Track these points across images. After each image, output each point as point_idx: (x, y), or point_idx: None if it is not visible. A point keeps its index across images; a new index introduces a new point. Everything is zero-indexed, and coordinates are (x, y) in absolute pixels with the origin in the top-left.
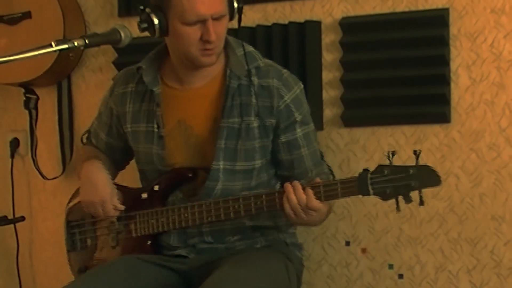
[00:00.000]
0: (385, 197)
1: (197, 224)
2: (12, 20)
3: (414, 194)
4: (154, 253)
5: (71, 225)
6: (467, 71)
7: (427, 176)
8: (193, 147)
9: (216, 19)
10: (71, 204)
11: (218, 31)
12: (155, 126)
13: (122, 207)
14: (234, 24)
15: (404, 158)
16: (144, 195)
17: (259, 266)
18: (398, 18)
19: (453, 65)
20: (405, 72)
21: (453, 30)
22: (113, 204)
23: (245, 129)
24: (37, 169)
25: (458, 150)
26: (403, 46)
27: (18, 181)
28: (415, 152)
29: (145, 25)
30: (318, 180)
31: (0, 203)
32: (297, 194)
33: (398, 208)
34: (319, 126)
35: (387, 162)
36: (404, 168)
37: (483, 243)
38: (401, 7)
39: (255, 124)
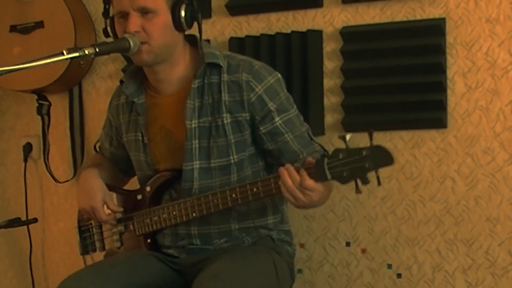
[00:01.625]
0: (342, 180)
1: (184, 220)
2: (26, 30)
3: (372, 176)
4: (154, 251)
5: (82, 230)
6: (463, 79)
7: (380, 156)
8: (174, 150)
9: (143, 14)
10: None
11: (146, 27)
12: (140, 134)
13: (119, 209)
14: (239, 33)
15: (403, 162)
16: (139, 197)
17: (247, 261)
18: (396, 28)
19: (449, 73)
20: (403, 79)
21: (449, 39)
22: (109, 207)
23: (215, 126)
24: (49, 173)
25: (454, 154)
26: (401, 54)
27: (31, 184)
28: (369, 133)
29: (106, 33)
30: (310, 160)
31: (14, 205)
32: (291, 176)
33: (357, 190)
34: (321, 131)
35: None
36: (358, 150)
37: (478, 243)
38: (400, 17)
39: (227, 120)
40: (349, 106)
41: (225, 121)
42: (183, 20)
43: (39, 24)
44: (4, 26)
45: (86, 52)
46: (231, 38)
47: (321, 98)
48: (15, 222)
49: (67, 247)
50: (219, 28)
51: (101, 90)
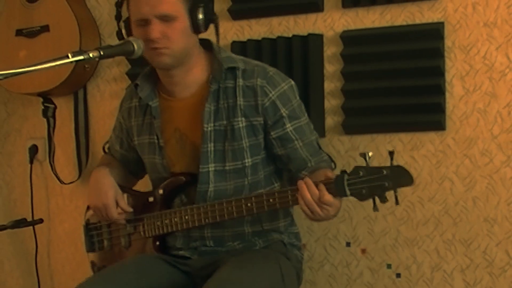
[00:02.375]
0: (361, 197)
1: (196, 226)
2: (31, 33)
3: (390, 194)
4: (162, 253)
5: (89, 227)
6: (461, 82)
7: (400, 176)
8: (189, 154)
9: (163, 20)
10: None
11: (166, 32)
12: (155, 137)
13: (129, 209)
14: (241, 37)
15: (402, 164)
16: (151, 199)
17: (254, 266)
18: (396, 32)
19: (448, 76)
20: (403, 82)
21: (447, 42)
22: (120, 206)
23: (231, 130)
24: (55, 174)
25: (453, 156)
26: (400, 58)
27: (37, 185)
28: (390, 153)
29: (120, 35)
30: (329, 175)
31: (20, 206)
32: (310, 190)
33: (375, 208)
34: (321, 133)
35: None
36: (379, 169)
37: (476, 243)
38: (399, 21)
39: (242, 124)
40: (349, 108)
41: (240, 125)
42: (201, 22)
43: (45, 28)
44: (10, 30)
45: (91, 55)
46: (233, 42)
47: (322, 101)
48: (21, 223)
49: (72, 247)
50: (222, 32)
51: (105, 93)
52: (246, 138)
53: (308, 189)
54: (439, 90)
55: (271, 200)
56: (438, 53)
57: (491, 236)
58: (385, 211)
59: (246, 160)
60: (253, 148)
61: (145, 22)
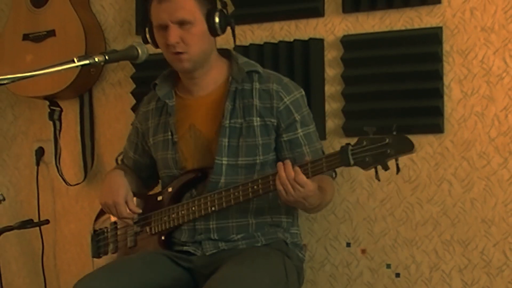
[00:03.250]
0: (364, 165)
1: (202, 215)
2: (38, 38)
3: (392, 164)
4: (166, 249)
5: (97, 233)
6: (459, 85)
7: (402, 144)
8: (202, 148)
9: (181, 25)
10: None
11: (185, 37)
12: (169, 133)
13: (138, 210)
14: (244, 42)
15: (401, 166)
16: (160, 198)
17: (258, 263)
18: (395, 36)
19: (446, 80)
20: (402, 86)
21: (446, 47)
22: (129, 207)
23: (246, 127)
24: (61, 176)
25: (451, 158)
26: (400, 62)
27: (43, 187)
28: (394, 125)
29: (145, 39)
30: (306, 159)
31: (27, 207)
32: (286, 171)
33: (377, 176)
34: (322, 136)
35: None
36: (381, 138)
37: (474, 244)
38: (398, 26)
39: (257, 123)
40: (349, 112)
41: (255, 124)
42: (217, 26)
43: (51, 33)
44: (17, 35)
45: (96, 59)
46: (236, 47)
47: (323, 104)
48: (28, 224)
49: (78, 247)
50: (224, 36)
51: (110, 96)
52: (260, 136)
53: (284, 169)
54: (438, 93)
55: (255, 187)
56: (436, 57)
57: (488, 237)
58: (385, 212)
59: (258, 157)
60: (265, 147)
61: (164, 28)
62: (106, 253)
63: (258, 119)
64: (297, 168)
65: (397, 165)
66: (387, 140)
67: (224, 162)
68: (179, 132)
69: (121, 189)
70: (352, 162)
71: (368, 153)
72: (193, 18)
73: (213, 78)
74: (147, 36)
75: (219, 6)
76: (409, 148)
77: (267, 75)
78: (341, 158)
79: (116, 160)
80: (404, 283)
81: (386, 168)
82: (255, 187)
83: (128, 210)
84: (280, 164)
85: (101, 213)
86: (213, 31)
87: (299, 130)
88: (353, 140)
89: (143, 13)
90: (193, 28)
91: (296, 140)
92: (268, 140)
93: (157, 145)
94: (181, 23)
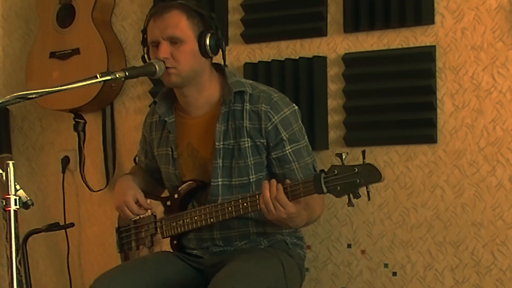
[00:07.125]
0: (336, 193)
1: (204, 225)
2: (63, 56)
3: (363, 191)
4: (178, 251)
5: (120, 230)
6: (451, 99)
7: (370, 173)
8: (199, 167)
9: (172, 43)
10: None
11: (175, 54)
12: (170, 149)
13: (148, 206)
14: (253, 59)
15: (397, 173)
16: (168, 203)
17: (259, 261)
18: (392, 54)
19: (439, 94)
20: (398, 99)
21: (439, 64)
22: (139, 202)
23: (237, 149)
24: (85, 183)
25: (443, 166)
26: (396, 77)
27: (69, 193)
28: (363, 152)
29: (143, 59)
30: (287, 181)
31: (53, 212)
32: (270, 189)
33: (349, 203)
34: (325, 146)
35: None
36: (351, 167)
37: (465, 245)
38: (395, 45)
39: (248, 144)
40: (350, 123)
41: (246, 145)
42: (208, 48)
43: (76, 51)
44: (45, 53)
45: (117, 75)
46: (246, 64)
47: (326, 117)
48: (54, 227)
49: (101, 248)
50: (235, 54)
51: (130, 109)
52: (251, 157)
53: (269, 187)
54: (431, 106)
55: (245, 204)
56: (430, 74)
57: (478, 239)
58: (382, 215)
59: (251, 177)
60: (258, 166)
61: (156, 44)
62: (130, 250)
63: (248, 139)
64: (280, 186)
65: (368, 193)
66: (356, 170)
67: (219, 183)
68: (179, 149)
69: (129, 190)
70: (325, 190)
71: (339, 182)
72: (184, 36)
73: (206, 98)
74: (145, 55)
75: (213, 29)
76: (377, 178)
77: (258, 95)
78: (315, 185)
79: (134, 159)
80: (400, 281)
81: (356, 196)
82: (245, 204)
83: (138, 207)
84: (265, 182)
85: None
86: (204, 52)
87: (287, 147)
88: (353, 150)
89: (145, 34)
90: (183, 46)
91: (284, 157)
92: (260, 159)
93: (160, 157)
94: (172, 40)
